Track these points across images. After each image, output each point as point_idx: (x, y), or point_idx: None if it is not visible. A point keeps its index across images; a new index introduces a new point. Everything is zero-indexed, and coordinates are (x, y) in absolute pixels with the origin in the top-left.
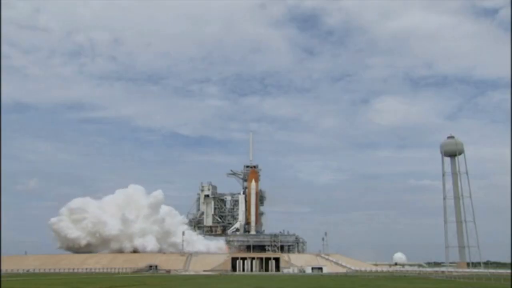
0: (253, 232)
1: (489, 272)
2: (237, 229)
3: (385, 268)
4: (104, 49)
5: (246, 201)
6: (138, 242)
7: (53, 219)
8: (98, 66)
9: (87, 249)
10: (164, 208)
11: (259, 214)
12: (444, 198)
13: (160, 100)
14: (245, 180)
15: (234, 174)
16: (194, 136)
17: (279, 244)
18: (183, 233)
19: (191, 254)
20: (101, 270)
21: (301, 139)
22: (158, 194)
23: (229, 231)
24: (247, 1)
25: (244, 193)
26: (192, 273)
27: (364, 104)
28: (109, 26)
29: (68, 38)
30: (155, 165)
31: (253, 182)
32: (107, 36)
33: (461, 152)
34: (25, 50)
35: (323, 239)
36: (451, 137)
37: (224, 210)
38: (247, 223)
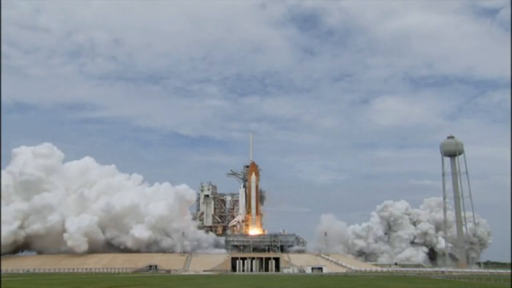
0: (253, 229)
1: (489, 272)
2: (238, 222)
3: (385, 268)
4: (104, 49)
5: (246, 195)
6: (166, 243)
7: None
8: (98, 66)
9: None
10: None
11: (259, 214)
12: (444, 198)
13: (160, 100)
14: (245, 180)
15: (234, 174)
16: (194, 136)
17: (279, 244)
18: (183, 233)
19: (191, 254)
20: (101, 270)
21: (301, 139)
22: (188, 191)
23: (230, 224)
24: (247, 1)
25: (244, 186)
26: (192, 273)
27: (364, 104)
28: (109, 26)
29: (68, 38)
30: (155, 165)
31: (253, 175)
32: (107, 36)
33: (461, 152)
34: (25, 50)
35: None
36: (451, 137)
37: (224, 210)
38: (247, 220)
